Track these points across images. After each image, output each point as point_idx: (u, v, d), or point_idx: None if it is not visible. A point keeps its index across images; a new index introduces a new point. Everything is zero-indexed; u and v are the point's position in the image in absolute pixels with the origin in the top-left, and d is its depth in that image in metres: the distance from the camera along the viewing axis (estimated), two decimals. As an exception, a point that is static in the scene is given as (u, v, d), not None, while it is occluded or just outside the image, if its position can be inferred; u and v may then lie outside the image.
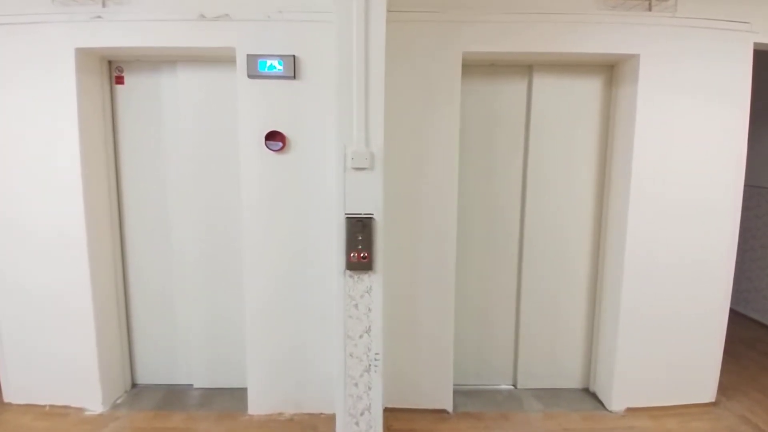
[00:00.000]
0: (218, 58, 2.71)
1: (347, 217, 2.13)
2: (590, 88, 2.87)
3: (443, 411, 2.85)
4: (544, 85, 2.86)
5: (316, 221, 2.65)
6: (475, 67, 2.81)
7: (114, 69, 2.84)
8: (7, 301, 2.74)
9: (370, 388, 2.26)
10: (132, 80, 2.85)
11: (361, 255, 2.13)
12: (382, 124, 2.10)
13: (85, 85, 2.61)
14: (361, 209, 2.13)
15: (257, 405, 2.82)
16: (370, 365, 2.24)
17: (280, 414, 2.81)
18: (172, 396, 3.00)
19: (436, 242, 2.72)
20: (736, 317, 4.16)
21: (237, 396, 2.94)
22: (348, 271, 2.17)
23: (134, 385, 3.12)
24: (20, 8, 2.49)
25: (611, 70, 2.84)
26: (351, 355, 2.23)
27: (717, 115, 2.65)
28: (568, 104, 2.87)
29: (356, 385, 2.26)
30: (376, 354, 2.23)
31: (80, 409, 2.80)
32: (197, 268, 2.95)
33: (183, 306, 3.03)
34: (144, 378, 3.13)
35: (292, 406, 2.82)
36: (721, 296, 2.81)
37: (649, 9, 2.55)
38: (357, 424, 2.29)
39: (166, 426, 2.70)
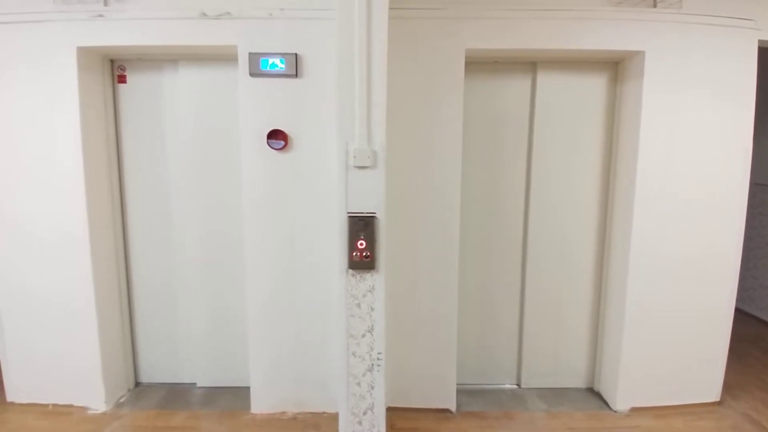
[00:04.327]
0: (220, 57, 2.70)
1: (349, 216, 2.12)
2: (595, 85, 2.85)
3: (446, 410, 2.85)
4: (548, 82, 2.84)
5: (318, 220, 2.64)
6: (479, 64, 2.79)
7: (116, 68, 2.84)
8: (10, 301, 2.74)
9: (372, 388, 2.25)
10: (134, 79, 2.85)
11: (364, 254, 2.12)
12: (385, 121, 2.08)
13: (86, 84, 2.61)
14: (363, 208, 2.12)
15: (260, 404, 2.81)
16: (372, 364, 2.23)
17: (283, 413, 2.81)
18: (175, 395, 3.00)
19: (439, 241, 2.71)
20: (740, 315, 4.13)
21: (240, 395, 2.94)
22: (350, 270, 2.16)
23: (137, 384, 3.12)
24: (22, 7, 2.49)
25: (616, 67, 2.82)
26: (354, 354, 2.22)
27: (722, 112, 2.63)
28: (573, 101, 2.85)
29: (359, 384, 2.25)
30: (379, 353, 2.22)
31: (83, 408, 2.81)
32: (200, 267, 2.95)
33: (186, 306, 3.03)
34: (147, 377, 3.13)
35: (295, 404, 2.82)
36: (726, 294, 2.79)
37: (654, 5, 2.53)
38: (360, 423, 2.28)
39: (168, 425, 2.70)
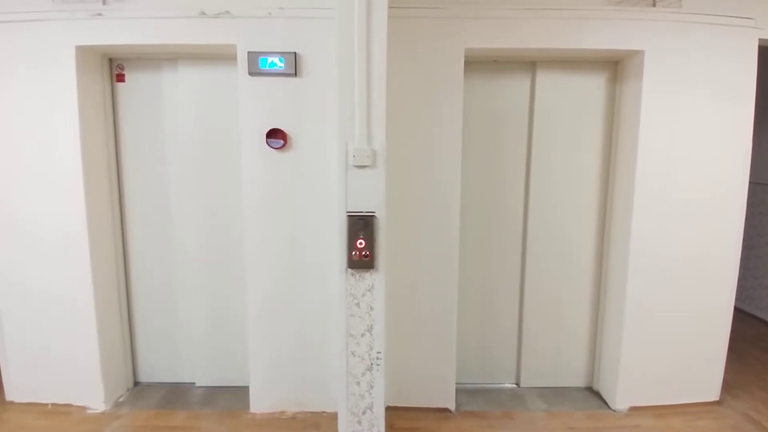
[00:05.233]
0: (219, 56, 2.70)
1: (349, 216, 2.12)
2: (594, 84, 2.85)
3: (446, 410, 2.84)
4: (548, 81, 2.84)
5: (318, 219, 2.64)
6: (478, 64, 2.79)
7: (115, 67, 2.83)
8: (9, 301, 2.74)
9: (372, 387, 2.25)
10: (133, 78, 2.84)
11: (363, 253, 2.12)
12: (384, 121, 2.08)
13: (85, 83, 2.60)
14: (362, 207, 2.12)
15: (260, 403, 2.81)
16: (372, 364, 2.23)
17: (282, 412, 2.81)
18: (175, 394, 3.00)
19: (438, 240, 2.70)
20: (740, 315, 4.14)
21: (239, 394, 2.93)
22: (350, 270, 2.16)
23: (136, 383, 3.12)
24: (21, 6, 2.48)
25: (615, 67, 2.82)
26: (353, 354, 2.22)
27: (722, 111, 2.62)
28: (572, 101, 2.85)
29: (358, 383, 2.25)
30: (378, 353, 2.22)
31: (82, 408, 2.80)
32: (199, 267, 2.95)
33: (185, 305, 3.02)
34: (146, 376, 3.12)
35: (294, 404, 2.82)
36: (726, 294, 2.79)
37: (654, 5, 2.52)
38: (359, 422, 2.28)
39: (168, 424, 2.70)
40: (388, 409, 2.79)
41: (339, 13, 2.02)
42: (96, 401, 2.80)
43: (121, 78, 2.84)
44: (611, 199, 2.89)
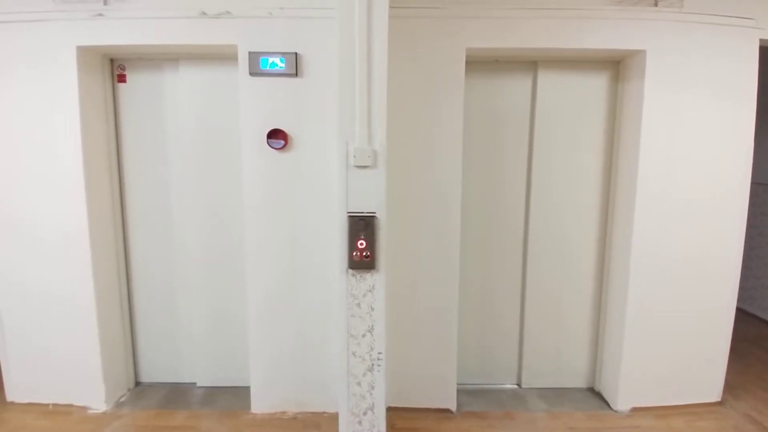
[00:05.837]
0: (220, 56, 2.70)
1: (349, 216, 2.12)
2: (596, 84, 2.84)
3: (447, 410, 2.84)
4: (549, 81, 2.83)
5: (319, 220, 2.64)
6: (479, 64, 2.79)
7: (116, 67, 2.83)
8: (10, 301, 2.74)
9: (373, 388, 2.25)
10: (134, 78, 2.84)
11: (364, 254, 2.12)
12: (385, 121, 2.08)
13: (86, 84, 2.60)
14: (363, 208, 2.12)
15: (260, 403, 2.81)
16: (372, 364, 2.23)
17: (283, 412, 2.81)
18: (175, 394, 3.00)
19: (439, 240, 2.70)
20: (742, 315, 4.11)
21: (240, 394, 2.93)
22: (350, 270, 2.15)
23: (137, 383, 3.12)
24: (21, 6, 2.48)
25: (617, 66, 2.82)
26: (354, 354, 2.22)
27: (723, 111, 2.62)
28: (574, 101, 2.84)
29: (359, 384, 2.24)
30: (379, 353, 2.22)
31: (83, 408, 2.80)
32: (200, 266, 2.95)
33: (186, 305, 3.02)
34: (147, 376, 3.13)
35: (295, 404, 2.82)
36: (727, 294, 2.79)
37: (655, 4, 2.52)
38: (360, 423, 2.28)
39: (169, 424, 2.70)
40: (389, 409, 2.79)
41: (339, 13, 2.02)
42: (97, 401, 2.80)
43: (122, 78, 2.84)
44: (613, 199, 2.89)
